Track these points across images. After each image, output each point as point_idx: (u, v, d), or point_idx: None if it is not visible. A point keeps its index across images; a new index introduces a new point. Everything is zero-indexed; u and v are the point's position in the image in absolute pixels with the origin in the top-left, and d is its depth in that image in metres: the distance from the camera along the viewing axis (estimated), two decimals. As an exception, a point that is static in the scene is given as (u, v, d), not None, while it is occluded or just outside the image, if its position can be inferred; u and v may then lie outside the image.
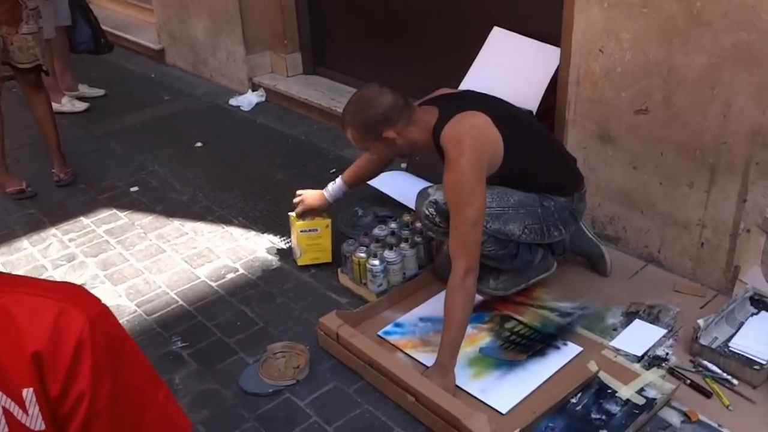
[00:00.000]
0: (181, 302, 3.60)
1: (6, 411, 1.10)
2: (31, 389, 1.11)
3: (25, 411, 1.11)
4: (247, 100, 6.15)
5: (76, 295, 1.20)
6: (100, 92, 6.43)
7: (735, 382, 2.89)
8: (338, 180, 3.76)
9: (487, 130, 3.00)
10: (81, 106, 6.12)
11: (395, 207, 4.15)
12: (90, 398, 1.13)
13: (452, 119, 2.99)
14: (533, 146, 3.20)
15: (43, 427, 1.12)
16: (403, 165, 4.67)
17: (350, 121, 3.10)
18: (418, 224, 3.70)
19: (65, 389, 1.12)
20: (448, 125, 2.98)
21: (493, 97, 3.31)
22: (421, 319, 3.35)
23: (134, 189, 4.77)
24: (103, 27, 6.22)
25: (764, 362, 2.90)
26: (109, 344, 1.17)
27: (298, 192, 3.80)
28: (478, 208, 2.90)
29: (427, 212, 3.14)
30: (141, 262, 3.94)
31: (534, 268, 3.39)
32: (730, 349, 3.00)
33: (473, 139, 2.94)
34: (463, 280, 2.87)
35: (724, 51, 3.04)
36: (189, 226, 4.31)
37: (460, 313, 2.89)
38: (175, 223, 4.34)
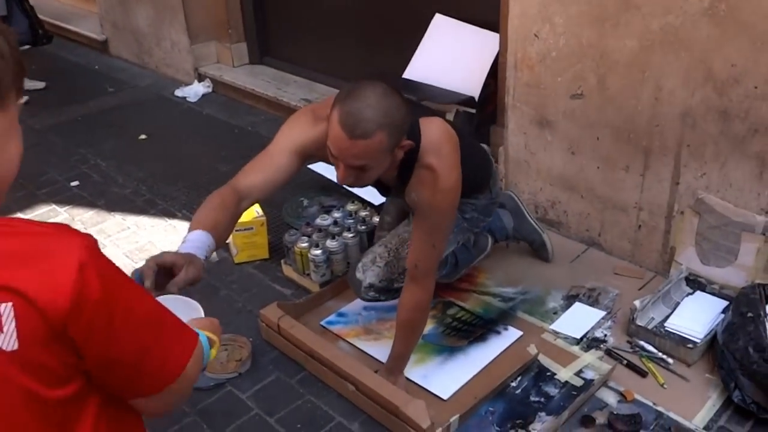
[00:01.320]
0: None
1: None
2: (9, 304, 1.15)
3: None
4: (193, 90, 6.15)
5: (64, 229, 1.28)
6: (40, 85, 6.36)
7: (670, 361, 3.00)
8: (199, 235, 2.47)
9: (454, 139, 2.67)
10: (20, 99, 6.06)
11: (341, 196, 4.18)
12: (106, 310, 1.24)
13: (422, 128, 2.61)
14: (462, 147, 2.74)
15: (16, 347, 1.16)
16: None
17: (380, 123, 2.30)
18: (363, 213, 3.79)
19: (72, 308, 1.19)
20: (423, 137, 2.58)
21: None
22: (365, 308, 3.40)
23: (75, 183, 4.75)
24: (43, 17, 6.16)
25: (698, 341, 3.02)
26: (109, 270, 1.28)
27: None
28: (446, 242, 2.81)
29: (368, 297, 3.10)
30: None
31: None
32: (666, 328, 3.13)
33: (453, 151, 2.64)
34: (430, 300, 2.82)
35: (653, 34, 3.14)
36: (131, 220, 4.31)
37: (423, 328, 2.94)
38: (117, 218, 4.34)
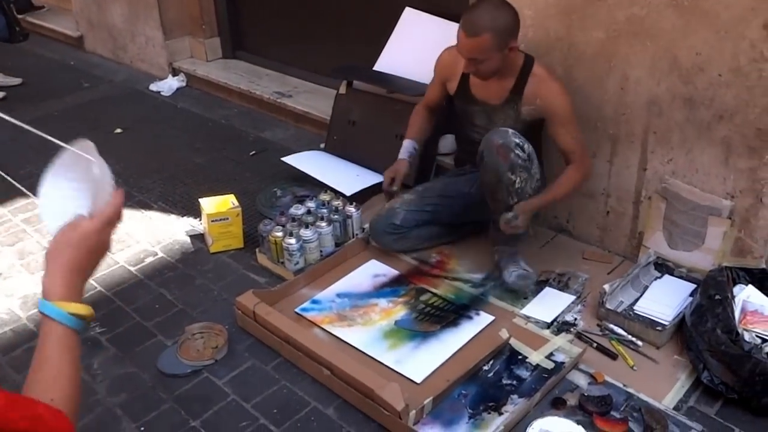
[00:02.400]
0: (99, 288, 3.57)
1: None
2: None
3: None
4: (168, 85, 6.11)
5: None
6: (16, 81, 6.30)
7: (639, 343, 2.98)
8: (406, 142, 3.64)
9: None
10: (-3, 95, 5.98)
11: (314, 187, 4.16)
12: None
13: (534, 58, 3.26)
14: None
15: None
16: (322, 145, 4.71)
17: (488, 27, 3.02)
18: (336, 202, 3.76)
19: None
20: (536, 61, 3.25)
21: None
22: (339, 295, 3.38)
23: None
24: (18, 15, 6.09)
25: (667, 323, 3.00)
26: None
27: (388, 173, 3.58)
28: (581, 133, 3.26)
29: (516, 140, 3.10)
30: None
31: None
32: (635, 312, 3.11)
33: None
34: (588, 166, 3.29)
35: (618, 25, 3.13)
36: None
37: (574, 180, 3.25)
38: None
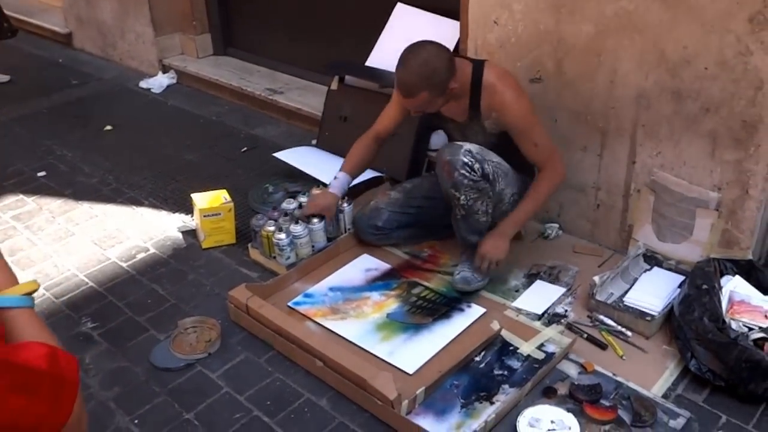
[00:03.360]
0: (91, 284, 3.60)
1: None
2: None
3: None
4: (158, 82, 6.12)
5: None
6: (4, 78, 6.33)
7: (629, 333, 3.05)
8: (339, 174, 3.64)
9: (517, 80, 3.30)
10: (-15, 92, 5.97)
11: (306, 182, 4.17)
12: None
13: (485, 65, 3.21)
14: None
15: None
16: (314, 141, 4.74)
17: (422, 86, 3.07)
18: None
19: None
20: (485, 69, 3.19)
21: None
22: (331, 289, 3.42)
23: (42, 174, 4.72)
24: (6, 11, 6.06)
25: (656, 314, 3.07)
26: None
27: (313, 207, 3.62)
28: (542, 126, 3.26)
29: (464, 160, 3.12)
30: (49, 245, 3.91)
31: None
32: (625, 303, 3.17)
33: (515, 79, 3.25)
34: (559, 170, 3.28)
35: (607, 19, 3.18)
36: (99, 208, 4.29)
37: (546, 190, 3.29)
38: (85, 206, 4.31)
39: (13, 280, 1.39)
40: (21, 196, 4.48)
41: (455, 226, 3.34)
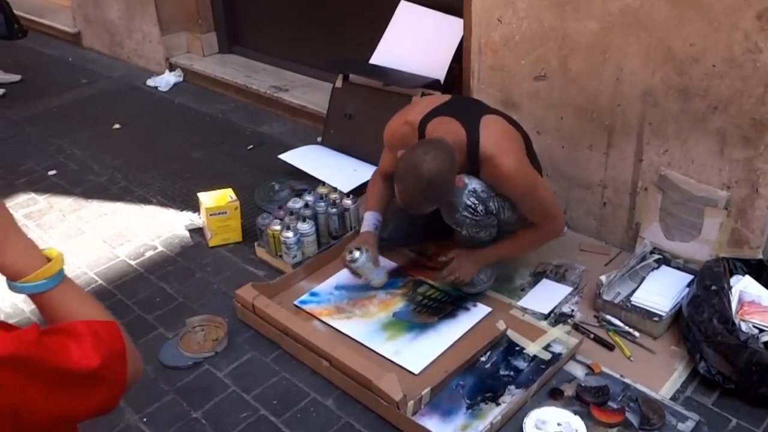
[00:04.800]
0: (100, 281, 3.56)
1: None
2: None
3: None
4: (165, 80, 6.07)
5: None
6: (15, 78, 6.27)
7: (636, 334, 2.95)
8: (368, 215, 3.36)
9: (514, 132, 3.08)
10: (-3, 92, 5.96)
11: (311, 180, 4.13)
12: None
13: (480, 128, 2.96)
14: (526, 139, 3.18)
15: None
16: (319, 139, 4.68)
17: (429, 202, 2.91)
18: (333, 195, 3.71)
19: None
20: (481, 136, 2.94)
21: (479, 100, 3.42)
22: (337, 288, 3.36)
23: (52, 173, 4.68)
24: (17, 12, 6.02)
25: (664, 314, 2.97)
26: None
27: (353, 245, 3.29)
28: (543, 188, 3.10)
29: (468, 202, 2.97)
30: (60, 243, 3.86)
31: None
32: (632, 303, 3.08)
33: (513, 141, 3.04)
34: (555, 230, 3.17)
35: (612, 16, 3.10)
36: (108, 206, 4.25)
37: (533, 242, 3.23)
38: (94, 205, 4.27)
39: (43, 260, 1.29)
40: (32, 194, 4.45)
41: (458, 239, 3.24)
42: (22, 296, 1.28)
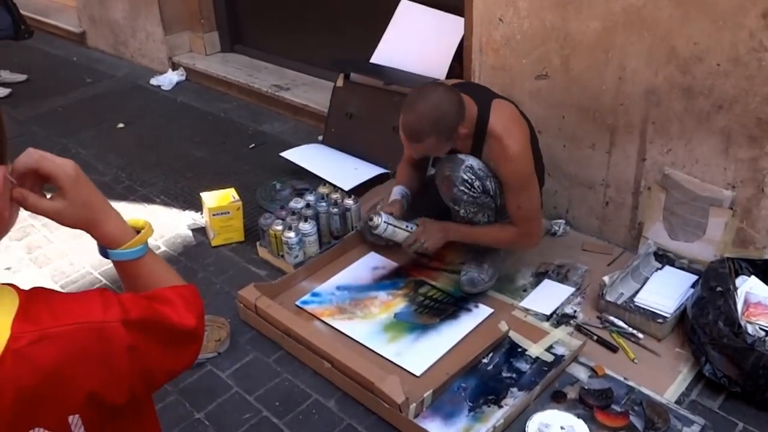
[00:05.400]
0: (104, 281, 3.52)
1: None
2: (77, 416, 1.12)
3: None
4: (168, 79, 6.03)
5: (96, 308, 1.16)
6: (21, 77, 6.23)
7: (640, 335, 2.88)
8: (396, 187, 3.37)
9: (523, 120, 3.03)
10: (3, 92, 5.92)
11: (313, 180, 4.08)
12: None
13: (492, 108, 2.92)
14: (533, 133, 3.10)
15: None
16: (320, 138, 4.62)
17: (430, 132, 2.80)
18: (334, 195, 3.66)
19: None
20: (492, 114, 2.90)
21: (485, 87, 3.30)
22: (338, 288, 3.30)
23: None
24: (23, 12, 6.00)
25: (668, 315, 2.89)
26: (144, 330, 1.18)
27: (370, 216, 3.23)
28: (536, 190, 3.03)
29: (464, 176, 2.93)
30: (65, 243, 3.83)
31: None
32: (636, 304, 3.00)
33: (521, 127, 2.97)
34: (530, 239, 3.12)
35: (615, 15, 3.02)
36: (113, 206, 4.17)
37: (507, 241, 3.13)
38: None
39: (132, 229, 1.34)
40: None
41: (455, 220, 3.16)
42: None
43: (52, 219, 1.21)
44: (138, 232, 1.31)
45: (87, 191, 1.23)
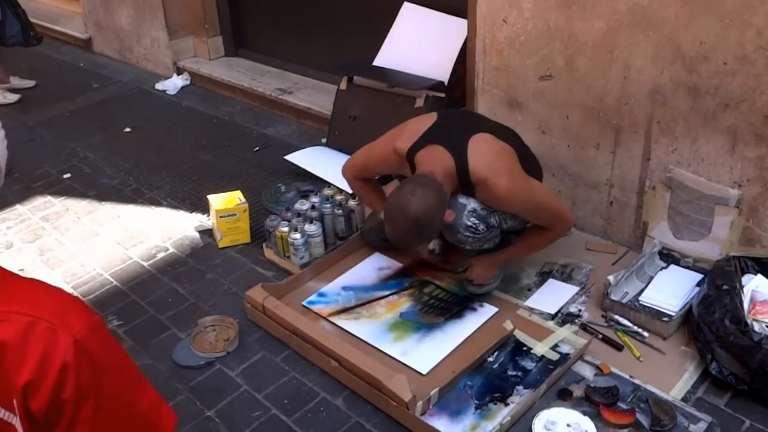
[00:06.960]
0: (115, 282, 3.50)
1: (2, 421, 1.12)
2: (15, 400, 1.12)
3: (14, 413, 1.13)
4: (173, 84, 5.99)
5: (65, 312, 1.17)
6: (31, 83, 6.18)
7: (646, 334, 2.83)
8: None
9: (504, 148, 2.90)
10: (13, 97, 5.89)
11: (318, 181, 4.05)
12: (73, 408, 1.14)
13: (468, 152, 2.79)
14: (521, 147, 3.04)
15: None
16: (324, 140, 4.58)
17: (417, 242, 2.86)
18: (339, 197, 3.62)
19: (50, 403, 1.12)
20: (470, 160, 2.78)
21: (467, 111, 3.35)
22: (344, 288, 3.26)
23: (67, 176, 4.60)
24: (32, 19, 5.97)
25: (673, 314, 2.84)
26: (93, 362, 1.16)
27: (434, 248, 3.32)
28: (543, 194, 2.96)
29: (468, 223, 2.84)
30: (76, 245, 3.82)
31: None
32: (641, 302, 2.95)
33: (503, 156, 2.87)
34: (562, 229, 3.06)
35: (620, 15, 2.98)
36: (121, 209, 4.18)
37: (545, 242, 3.07)
38: (107, 207, 4.20)
39: None
40: (49, 197, 4.37)
41: (463, 252, 3.16)
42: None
43: None
44: None
45: None
